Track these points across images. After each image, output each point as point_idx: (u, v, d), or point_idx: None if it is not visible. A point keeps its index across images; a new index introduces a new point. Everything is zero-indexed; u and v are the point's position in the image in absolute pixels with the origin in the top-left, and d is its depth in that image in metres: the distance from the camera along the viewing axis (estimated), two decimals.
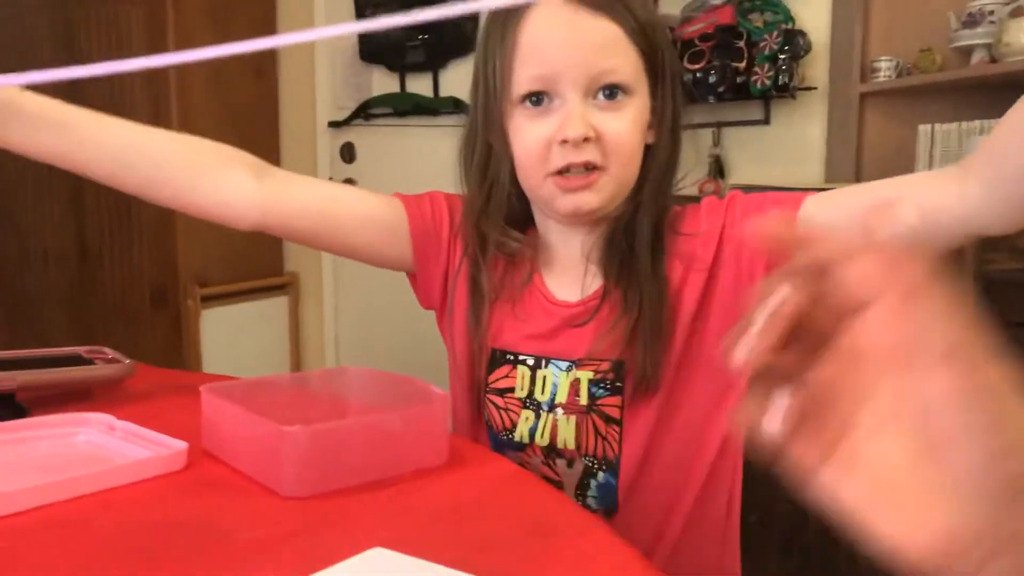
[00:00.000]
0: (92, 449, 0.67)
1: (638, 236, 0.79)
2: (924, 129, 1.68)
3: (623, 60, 0.74)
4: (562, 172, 0.76)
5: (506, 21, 0.77)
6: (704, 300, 0.78)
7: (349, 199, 0.87)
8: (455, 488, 0.59)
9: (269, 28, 2.81)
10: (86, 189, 2.65)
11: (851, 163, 1.98)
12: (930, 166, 1.67)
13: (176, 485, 0.59)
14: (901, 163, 1.85)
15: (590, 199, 0.77)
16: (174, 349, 2.51)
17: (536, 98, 0.76)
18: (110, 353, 0.87)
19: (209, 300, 2.56)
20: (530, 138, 0.77)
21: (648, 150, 0.79)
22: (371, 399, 0.69)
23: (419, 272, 0.89)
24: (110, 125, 0.82)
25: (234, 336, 2.61)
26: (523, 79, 0.76)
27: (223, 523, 0.53)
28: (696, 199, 0.84)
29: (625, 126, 0.76)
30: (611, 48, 0.74)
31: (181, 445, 0.62)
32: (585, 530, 0.54)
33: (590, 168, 0.75)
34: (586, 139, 0.74)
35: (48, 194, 2.74)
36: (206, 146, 0.86)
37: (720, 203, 0.80)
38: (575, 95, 0.74)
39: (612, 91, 0.75)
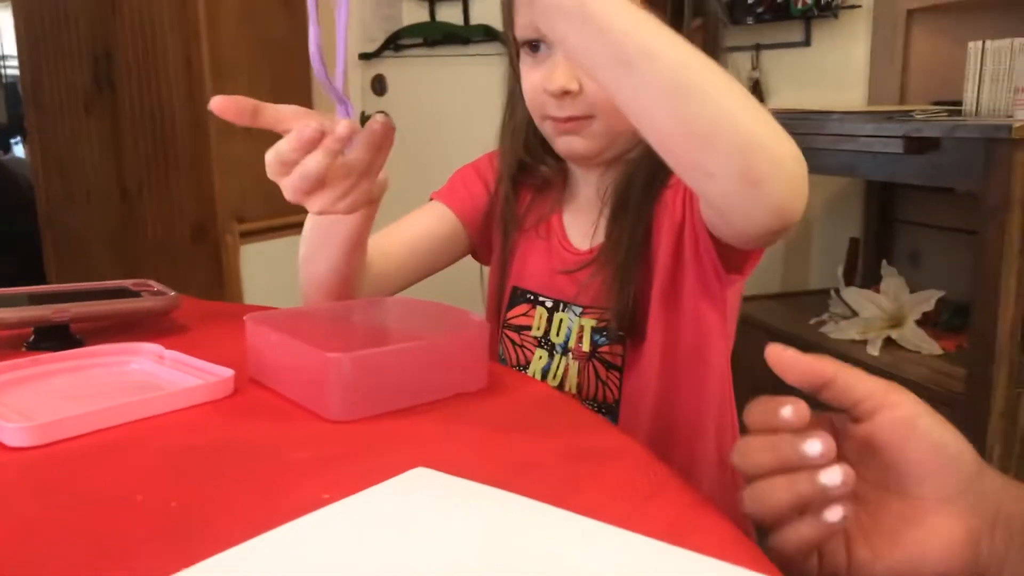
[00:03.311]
0: (143, 377, 0.69)
1: (633, 183, 0.80)
2: (974, 46, 1.61)
3: None
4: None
5: None
6: (677, 249, 0.78)
7: (418, 239, 0.89)
8: (495, 411, 0.61)
9: None
10: (123, 129, 2.67)
11: (896, 84, 1.92)
12: (979, 85, 1.61)
13: (225, 411, 0.61)
14: (948, 82, 1.78)
15: (579, 144, 0.80)
16: (215, 284, 2.56)
17: (533, 44, 0.79)
18: (155, 286, 0.89)
19: (248, 235, 2.59)
20: (527, 84, 0.80)
21: None
22: (411, 327, 0.70)
23: (479, 246, 0.94)
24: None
25: (273, 270, 2.65)
26: (520, 26, 0.79)
27: (271, 445, 0.54)
28: None
29: None
30: None
31: (228, 372, 0.64)
32: (624, 452, 0.55)
33: (576, 117, 0.77)
34: (567, 92, 0.76)
35: (85, 134, 2.77)
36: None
37: None
38: None
39: None
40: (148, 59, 2.56)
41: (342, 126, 0.58)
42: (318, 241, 0.76)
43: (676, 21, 0.76)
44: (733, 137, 0.53)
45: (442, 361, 0.61)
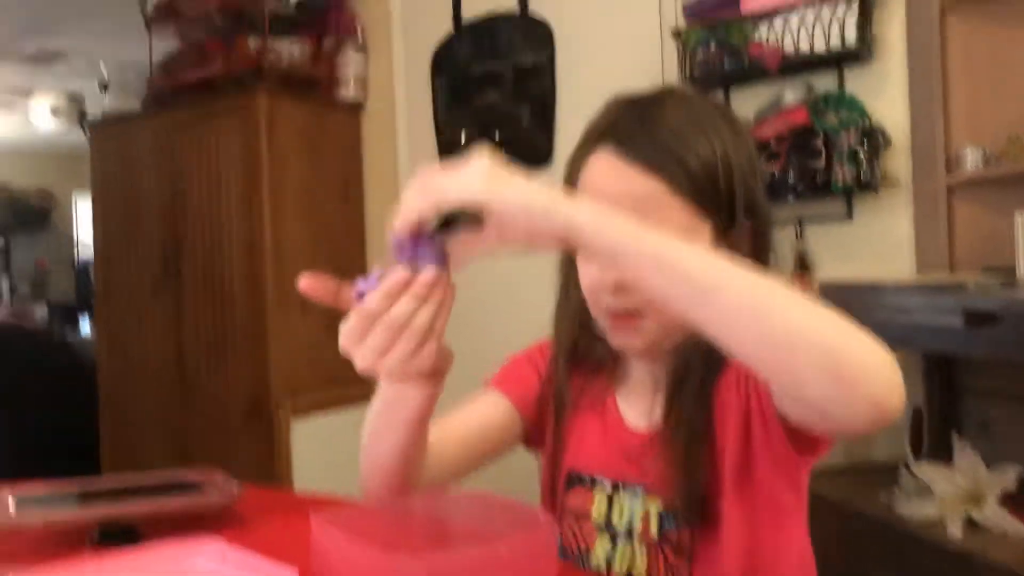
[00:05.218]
0: None
1: (691, 370, 0.80)
2: (1021, 218, 1.63)
3: (664, 215, 0.76)
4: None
5: (576, 159, 0.83)
6: (745, 433, 0.77)
7: (475, 427, 0.90)
8: None
9: (356, 152, 2.97)
10: (186, 311, 2.79)
11: (943, 255, 1.92)
12: None
13: None
14: (998, 252, 1.78)
15: (633, 341, 0.81)
16: (266, 458, 2.56)
17: None
18: (219, 477, 0.90)
19: (300, 410, 2.61)
20: (584, 274, 0.83)
21: None
22: (478, 526, 0.69)
23: (532, 434, 0.93)
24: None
25: (325, 445, 2.65)
26: None
27: None
28: None
29: None
30: (652, 204, 0.76)
31: (292, 574, 0.63)
32: None
33: (631, 313, 0.79)
34: (621, 287, 0.77)
35: (150, 317, 2.89)
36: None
37: None
38: None
39: None
40: (214, 246, 2.71)
41: (427, 272, 0.61)
42: (383, 423, 0.77)
43: (728, 222, 0.78)
44: (814, 342, 0.55)
45: (511, 564, 0.59)
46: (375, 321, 0.61)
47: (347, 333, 0.62)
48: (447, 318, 0.63)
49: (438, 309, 0.62)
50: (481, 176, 0.59)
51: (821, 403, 0.58)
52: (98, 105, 3.22)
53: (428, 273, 0.61)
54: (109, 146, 3.04)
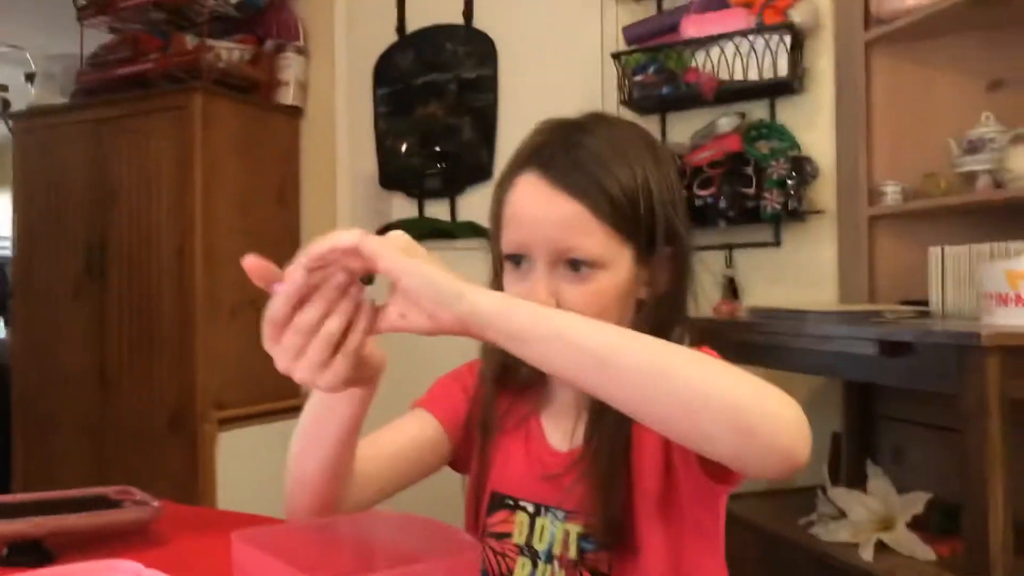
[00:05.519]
0: None
1: None
2: (934, 251, 1.71)
3: (586, 239, 0.78)
4: None
5: (504, 182, 0.84)
6: (666, 460, 0.79)
7: (402, 446, 0.89)
8: None
9: (293, 157, 2.93)
10: (109, 315, 2.70)
11: (864, 284, 2.00)
12: (943, 288, 1.69)
13: None
14: (914, 283, 1.86)
15: None
16: (190, 471, 2.48)
17: (516, 258, 0.82)
18: (137, 494, 0.87)
19: (226, 422, 2.55)
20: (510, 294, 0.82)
21: (641, 305, 0.82)
22: (401, 546, 0.68)
23: (459, 455, 0.93)
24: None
25: (250, 458, 2.59)
26: (506, 241, 0.83)
27: None
28: (711, 323, 0.86)
29: (584, 298, 0.79)
30: (574, 227, 0.77)
31: None
32: None
33: None
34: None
35: (70, 319, 2.79)
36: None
37: None
38: (542, 263, 0.80)
39: (575, 264, 0.79)
40: (141, 249, 2.64)
41: (337, 276, 0.60)
42: (313, 433, 0.76)
43: (649, 248, 0.80)
44: (718, 400, 0.57)
45: None
46: (281, 325, 0.60)
47: (264, 335, 0.62)
48: (364, 333, 0.62)
49: (349, 320, 0.61)
50: (396, 248, 0.59)
51: (731, 458, 0.60)
52: (23, 97, 3.09)
53: (338, 277, 0.61)
54: (33, 139, 2.93)
